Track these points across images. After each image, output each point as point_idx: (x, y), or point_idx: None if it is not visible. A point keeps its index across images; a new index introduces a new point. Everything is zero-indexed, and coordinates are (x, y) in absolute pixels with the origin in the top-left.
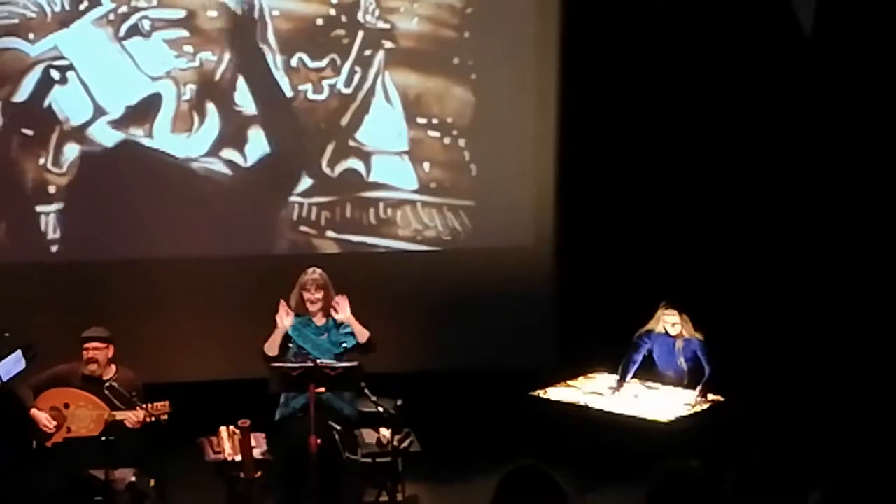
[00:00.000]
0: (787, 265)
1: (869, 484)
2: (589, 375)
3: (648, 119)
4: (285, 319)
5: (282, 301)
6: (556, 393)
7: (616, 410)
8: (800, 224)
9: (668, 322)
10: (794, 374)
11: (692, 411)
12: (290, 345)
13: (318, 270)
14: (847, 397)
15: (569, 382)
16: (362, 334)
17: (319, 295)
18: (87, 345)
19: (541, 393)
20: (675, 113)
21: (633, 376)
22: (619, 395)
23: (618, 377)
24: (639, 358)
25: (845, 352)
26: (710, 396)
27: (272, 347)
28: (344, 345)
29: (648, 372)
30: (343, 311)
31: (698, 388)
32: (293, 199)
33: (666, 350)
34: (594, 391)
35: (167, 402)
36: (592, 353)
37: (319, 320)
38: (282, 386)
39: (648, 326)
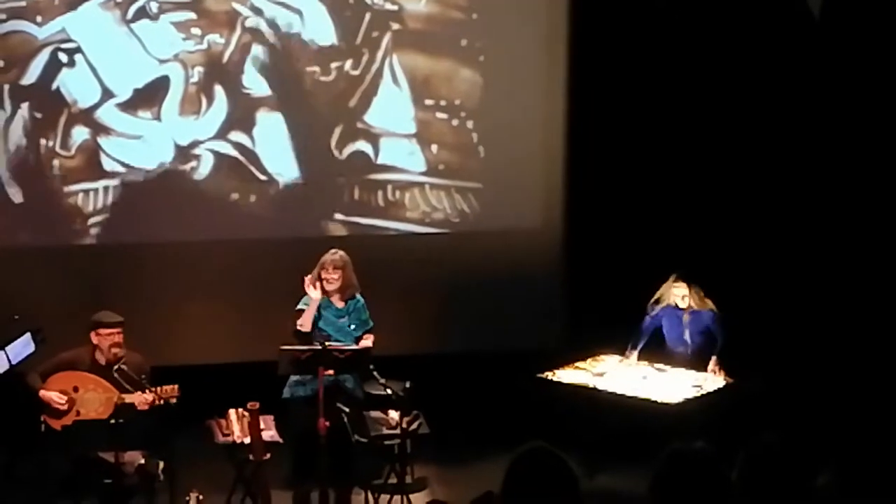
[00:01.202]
0: (798, 246)
1: (878, 464)
2: (597, 357)
3: (657, 101)
4: (313, 292)
5: (306, 278)
6: (564, 375)
7: (624, 392)
8: (809, 207)
9: (678, 295)
10: (804, 355)
11: (702, 392)
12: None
13: (340, 252)
14: (859, 379)
15: (577, 364)
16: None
17: (336, 275)
18: (108, 330)
19: (549, 375)
20: (685, 94)
21: (644, 356)
22: (629, 364)
23: (630, 346)
24: (650, 327)
25: (856, 332)
26: (719, 378)
27: (306, 323)
28: (352, 327)
29: (658, 349)
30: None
31: (713, 359)
32: (301, 181)
33: (675, 324)
34: (603, 372)
35: (176, 386)
36: (601, 335)
37: (338, 302)
38: (291, 368)
39: (659, 294)
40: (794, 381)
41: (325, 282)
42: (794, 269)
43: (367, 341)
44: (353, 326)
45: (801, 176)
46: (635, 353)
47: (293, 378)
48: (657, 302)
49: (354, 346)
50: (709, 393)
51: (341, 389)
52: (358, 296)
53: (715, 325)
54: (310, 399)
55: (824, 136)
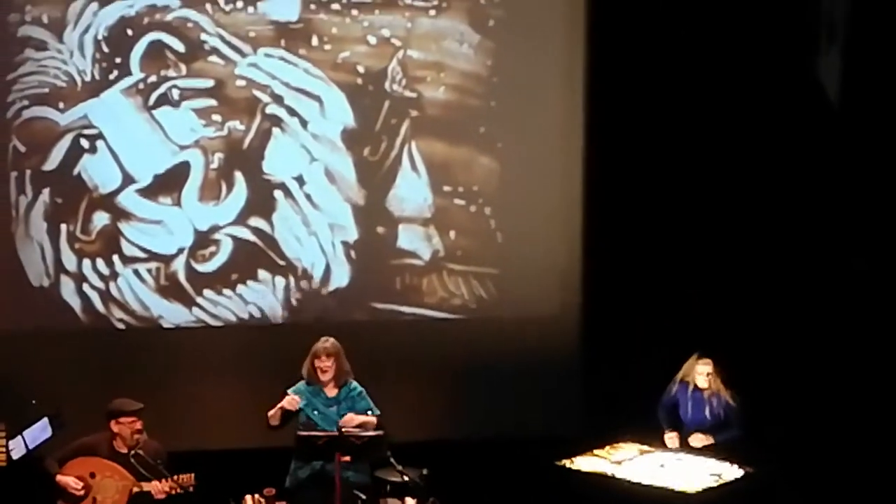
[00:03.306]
0: (817, 332)
1: None
2: (616, 445)
3: (675, 187)
4: (288, 402)
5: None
6: (582, 462)
7: (643, 481)
8: (833, 290)
9: (702, 373)
10: (824, 442)
11: (721, 482)
12: (300, 413)
13: (331, 339)
14: (882, 468)
15: (595, 452)
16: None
17: (329, 362)
18: (129, 418)
19: (567, 462)
20: (703, 179)
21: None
22: (673, 447)
23: (667, 431)
24: (670, 404)
25: (880, 420)
26: (738, 467)
27: (273, 418)
28: (369, 412)
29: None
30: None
31: (715, 436)
32: (319, 266)
33: (692, 403)
34: (621, 460)
35: (192, 475)
36: (619, 423)
37: (331, 391)
38: (307, 455)
39: (683, 373)
40: (815, 468)
41: (318, 371)
42: (814, 353)
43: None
44: (369, 411)
45: (823, 267)
46: (675, 435)
47: (294, 465)
48: (683, 382)
49: (371, 433)
50: (728, 482)
51: (331, 479)
52: (354, 384)
53: (730, 415)
54: (309, 487)
55: (847, 223)
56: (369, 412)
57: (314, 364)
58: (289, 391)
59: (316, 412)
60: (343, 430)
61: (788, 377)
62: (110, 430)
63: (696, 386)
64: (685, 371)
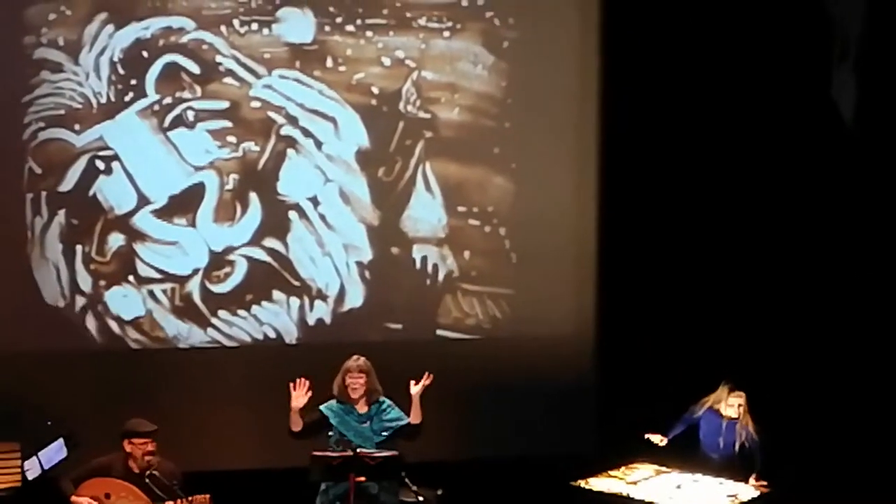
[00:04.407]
0: (840, 357)
1: None
2: (631, 466)
3: (691, 207)
4: (294, 400)
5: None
6: (597, 483)
7: (659, 501)
8: (847, 320)
9: (733, 404)
10: (841, 463)
11: (737, 502)
12: (331, 433)
13: (362, 357)
14: None
15: (610, 472)
16: (417, 416)
17: (362, 380)
18: (142, 439)
19: (582, 483)
20: (719, 199)
21: (677, 460)
22: (657, 441)
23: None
24: (688, 421)
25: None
26: (754, 487)
27: (293, 424)
28: (391, 426)
29: (692, 455)
30: (418, 386)
31: (753, 476)
32: (334, 287)
33: (726, 432)
34: (636, 481)
35: (208, 496)
36: (634, 443)
37: (362, 408)
38: (322, 475)
39: (711, 401)
40: (834, 489)
41: (349, 388)
42: (828, 375)
43: (415, 418)
44: (391, 425)
45: (840, 294)
46: (665, 439)
47: (325, 485)
48: (713, 409)
49: (386, 453)
50: (745, 503)
51: (364, 497)
52: (382, 398)
53: (754, 444)
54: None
55: (864, 253)
56: (400, 421)
57: (345, 381)
58: (321, 408)
59: (350, 430)
60: (358, 450)
61: (803, 398)
62: (124, 450)
63: (720, 413)
64: (714, 399)
